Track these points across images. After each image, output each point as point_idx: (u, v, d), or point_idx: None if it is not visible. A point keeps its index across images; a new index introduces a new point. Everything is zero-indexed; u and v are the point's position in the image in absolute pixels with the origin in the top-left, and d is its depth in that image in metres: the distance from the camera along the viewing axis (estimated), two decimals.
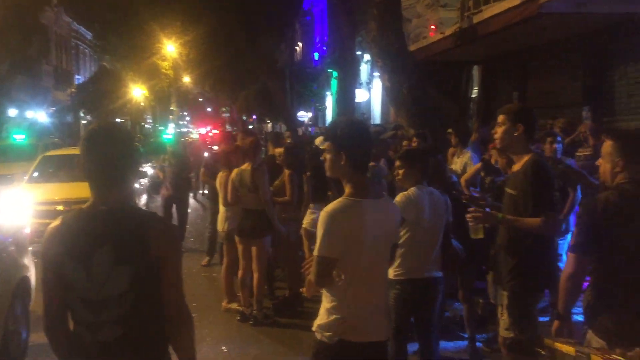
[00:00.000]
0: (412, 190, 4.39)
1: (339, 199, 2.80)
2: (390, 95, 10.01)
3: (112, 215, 2.26)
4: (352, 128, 2.90)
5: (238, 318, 6.45)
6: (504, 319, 3.81)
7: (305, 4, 25.85)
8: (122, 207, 2.29)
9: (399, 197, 4.35)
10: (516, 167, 3.84)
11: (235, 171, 6.47)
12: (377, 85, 18.32)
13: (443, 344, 5.60)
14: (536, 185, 3.73)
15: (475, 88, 14.27)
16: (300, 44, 29.02)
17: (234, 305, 6.68)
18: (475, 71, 14.18)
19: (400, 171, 4.50)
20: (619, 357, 2.36)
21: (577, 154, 7.05)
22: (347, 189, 2.83)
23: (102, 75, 32.18)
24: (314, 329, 2.88)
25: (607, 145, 3.20)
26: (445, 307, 6.35)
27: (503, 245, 3.85)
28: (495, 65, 13.21)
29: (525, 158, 3.80)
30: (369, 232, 2.77)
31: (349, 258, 2.73)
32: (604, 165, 3.22)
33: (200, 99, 44.72)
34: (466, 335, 5.65)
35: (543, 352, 2.71)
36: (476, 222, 3.89)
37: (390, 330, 3.20)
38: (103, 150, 2.27)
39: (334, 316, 2.78)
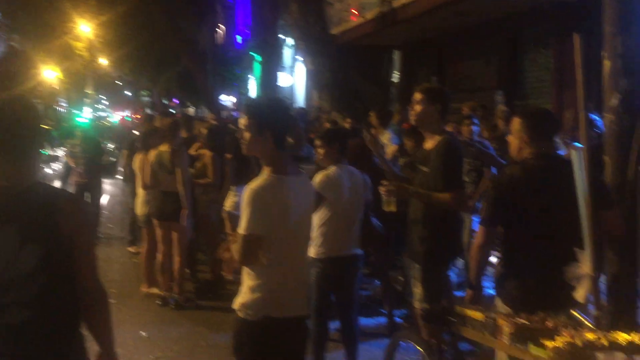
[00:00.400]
0: (331, 169, 4.43)
1: (263, 176, 2.79)
2: (313, 79, 10.05)
3: (15, 192, 2.14)
4: (273, 105, 2.90)
5: (158, 302, 6.32)
6: (417, 291, 3.94)
7: None
8: (27, 183, 2.17)
9: (318, 176, 4.39)
10: (429, 145, 3.99)
11: (153, 153, 6.30)
12: (301, 69, 18.31)
13: (363, 320, 5.72)
14: (448, 163, 3.91)
15: (396, 72, 14.54)
16: (222, 26, 28.51)
17: (155, 290, 6.54)
18: (396, 56, 14.44)
19: (320, 150, 4.54)
20: (523, 321, 2.48)
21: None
22: (269, 167, 2.82)
23: (10, 55, 30.47)
24: (235, 307, 2.86)
25: (515, 122, 3.34)
26: (364, 286, 6.49)
27: (415, 220, 3.98)
28: (415, 50, 13.51)
29: (438, 137, 3.95)
30: (293, 208, 2.79)
31: (275, 235, 2.74)
32: (513, 141, 3.37)
33: (119, 82, 43.15)
34: (385, 312, 5.80)
35: (454, 320, 2.80)
36: (389, 195, 3.99)
37: (310, 306, 3.25)
38: (3, 125, 2.15)
39: (258, 294, 2.78)
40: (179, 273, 6.27)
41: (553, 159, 3.23)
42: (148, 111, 20.62)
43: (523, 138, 3.26)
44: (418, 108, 3.96)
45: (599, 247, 2.94)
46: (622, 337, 2.23)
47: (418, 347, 3.49)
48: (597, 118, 5.69)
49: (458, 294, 4.41)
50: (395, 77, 14.47)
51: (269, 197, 2.72)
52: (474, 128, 6.67)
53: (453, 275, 4.31)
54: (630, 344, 2.18)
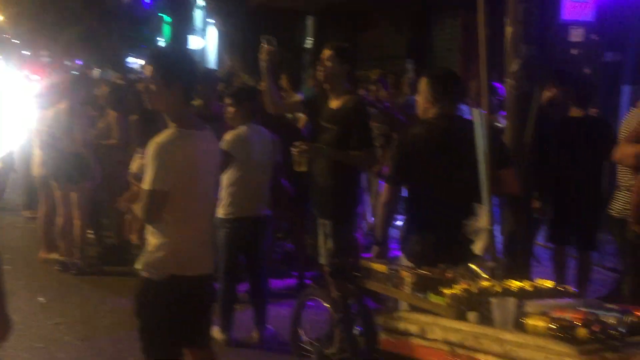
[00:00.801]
0: (241, 128, 4.35)
1: (169, 130, 2.69)
2: (225, 40, 9.81)
3: None
4: (182, 55, 2.81)
5: (58, 268, 6.04)
6: (328, 247, 3.98)
7: None
8: None
9: (228, 136, 4.30)
10: (335, 104, 4.00)
11: (51, 110, 5.94)
12: (213, 32, 17.81)
13: (273, 282, 5.74)
14: (360, 121, 3.98)
15: (309, 38, 14.45)
16: None
17: (54, 255, 6.24)
18: (310, 22, 14.34)
19: (231, 109, 4.44)
20: (424, 272, 2.55)
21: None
22: (175, 121, 2.72)
23: None
24: (139, 267, 2.77)
25: (422, 82, 3.40)
26: (274, 248, 6.50)
27: (321, 177, 4.01)
28: (329, 17, 13.47)
29: (346, 97, 3.98)
30: (200, 163, 2.73)
31: (180, 191, 2.66)
32: (419, 101, 3.43)
33: (17, 41, 40.29)
34: (296, 274, 5.84)
35: (359, 274, 2.85)
36: (301, 154, 3.99)
37: (217, 266, 3.22)
38: None
39: (163, 252, 2.71)
40: (80, 237, 5.99)
41: (456, 119, 3.31)
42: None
43: (428, 98, 3.32)
44: (328, 64, 3.96)
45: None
46: (514, 284, 2.35)
47: (325, 304, 3.53)
48: (499, 85, 5.91)
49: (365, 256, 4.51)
50: (309, 43, 14.39)
51: (176, 151, 2.63)
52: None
53: (360, 237, 4.41)
54: (521, 290, 2.29)
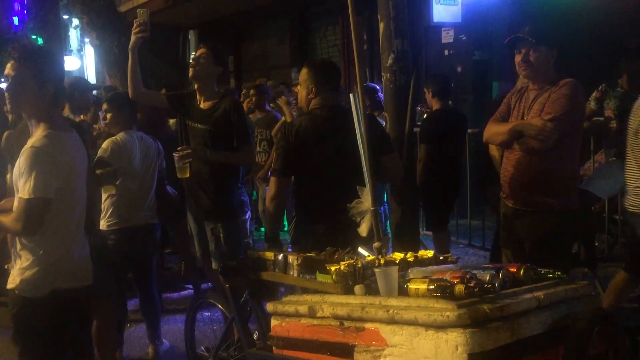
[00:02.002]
0: (120, 135, 4.19)
1: (42, 133, 2.49)
2: (101, 55, 9.41)
3: None
4: (48, 55, 2.60)
5: None
6: (221, 251, 3.91)
7: None
8: None
9: (105, 144, 4.12)
10: (206, 104, 3.98)
11: None
12: (90, 52, 17.11)
13: (168, 295, 5.56)
14: (240, 121, 3.99)
15: (193, 53, 14.25)
16: None
17: None
18: (192, 36, 14.15)
19: (108, 115, 4.27)
20: (311, 255, 2.55)
21: None
22: (44, 123, 2.53)
23: None
24: (11, 287, 2.56)
25: (303, 73, 3.43)
26: (167, 264, 6.31)
27: (203, 180, 3.96)
28: (211, 31, 13.35)
29: (218, 97, 3.99)
30: (77, 168, 2.60)
31: (61, 197, 2.49)
32: (301, 92, 3.46)
33: None
34: (190, 286, 5.68)
35: (249, 267, 2.81)
36: (184, 159, 3.90)
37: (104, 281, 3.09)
38: None
39: (42, 266, 2.52)
40: None
41: (337, 108, 3.37)
42: None
43: (310, 89, 3.35)
44: (201, 62, 3.92)
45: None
46: (397, 255, 2.40)
47: (219, 306, 3.45)
48: (376, 86, 6.14)
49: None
50: (192, 57, 14.20)
51: (56, 154, 2.47)
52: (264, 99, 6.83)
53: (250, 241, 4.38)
54: (403, 260, 2.35)
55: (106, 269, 3.90)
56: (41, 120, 2.54)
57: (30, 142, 2.47)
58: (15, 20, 23.20)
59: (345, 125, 3.09)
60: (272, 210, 3.32)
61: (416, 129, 5.00)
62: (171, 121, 5.94)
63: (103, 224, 4.13)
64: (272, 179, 3.33)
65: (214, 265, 4.01)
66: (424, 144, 5.34)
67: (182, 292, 5.73)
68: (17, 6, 22.97)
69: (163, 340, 4.45)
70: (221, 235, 3.92)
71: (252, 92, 6.87)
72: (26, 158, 2.42)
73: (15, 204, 2.46)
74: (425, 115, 5.81)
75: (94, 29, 8.92)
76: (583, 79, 3.39)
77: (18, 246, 2.59)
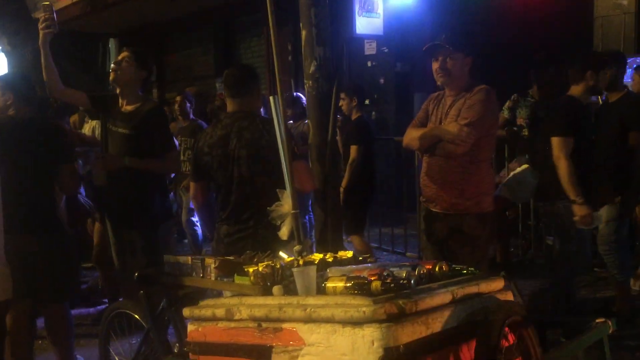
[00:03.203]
0: None
1: None
2: (14, 61, 9.01)
3: None
4: None
5: None
6: (139, 260, 3.79)
7: None
8: None
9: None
10: (128, 108, 3.88)
11: None
12: (1, 57, 16.32)
13: (85, 310, 5.34)
14: (160, 126, 3.95)
15: (113, 61, 13.88)
16: None
17: None
18: (113, 44, 13.77)
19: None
20: (229, 258, 2.51)
21: None
22: None
23: None
24: None
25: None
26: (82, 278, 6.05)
27: (123, 188, 3.87)
28: (133, 39, 13.01)
29: (141, 101, 3.90)
30: None
31: None
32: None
33: None
34: (106, 301, 5.47)
35: (167, 271, 2.72)
36: (101, 167, 3.78)
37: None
38: None
39: None
40: None
41: (239, 114, 3.34)
42: None
43: (225, 95, 3.35)
44: (124, 65, 3.81)
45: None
46: (316, 256, 2.39)
47: (135, 316, 3.31)
48: (301, 95, 6.17)
49: None
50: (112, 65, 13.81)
51: None
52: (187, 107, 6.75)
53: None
54: (322, 260, 2.34)
55: None
56: None
57: None
58: None
59: (241, 131, 3.19)
60: (197, 210, 3.55)
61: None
62: (86, 126, 5.73)
63: None
64: (190, 184, 3.46)
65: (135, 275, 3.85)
66: (357, 145, 5.42)
67: (99, 307, 5.50)
68: None
69: (78, 356, 4.24)
70: (139, 245, 3.79)
71: (177, 99, 6.76)
72: None
73: None
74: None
75: (6, 34, 8.56)
76: (496, 88, 3.53)
77: None
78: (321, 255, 2.38)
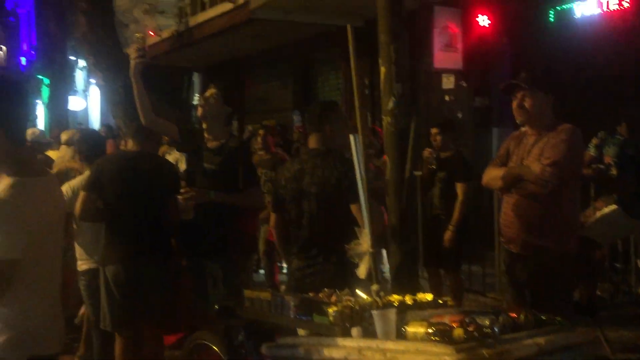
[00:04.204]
0: (76, 180, 4.42)
1: (7, 182, 2.11)
2: (106, 95, 9.53)
3: None
4: (3, 90, 2.20)
5: None
6: (218, 291, 3.85)
7: (8, 4, 23.33)
8: None
9: (65, 189, 4.24)
10: (213, 144, 3.98)
11: None
12: (95, 92, 17.36)
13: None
14: (244, 161, 4.03)
15: (197, 94, 14.43)
16: (3, 47, 26.03)
17: None
18: (197, 78, 14.36)
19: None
20: (308, 295, 2.52)
21: None
22: (8, 169, 2.15)
23: None
24: None
25: None
26: None
27: (207, 221, 3.93)
28: (215, 73, 13.56)
29: (225, 137, 4.01)
30: (46, 218, 2.23)
31: (33, 253, 2.14)
32: None
33: None
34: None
35: (247, 305, 2.77)
36: (188, 201, 3.89)
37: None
38: None
39: (14, 332, 2.16)
40: None
41: (327, 152, 3.38)
42: None
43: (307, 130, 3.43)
44: (211, 102, 3.95)
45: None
46: (395, 298, 2.37)
47: (214, 348, 3.38)
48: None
49: None
50: (196, 99, 14.37)
51: (23, 207, 2.10)
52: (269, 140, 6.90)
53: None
54: (402, 303, 2.32)
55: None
56: (4, 165, 2.18)
57: None
58: (23, 60, 23.59)
59: (314, 168, 3.28)
60: (276, 238, 3.65)
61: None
62: (169, 157, 5.96)
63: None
64: (270, 213, 3.59)
65: (215, 306, 3.93)
66: (464, 182, 5.39)
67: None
68: (24, 46, 23.39)
69: None
70: (219, 276, 3.87)
71: (260, 132, 6.90)
72: None
73: None
74: (429, 159, 5.76)
75: (100, 70, 9.05)
76: (582, 125, 3.42)
77: None
78: (400, 297, 2.36)
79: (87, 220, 4.05)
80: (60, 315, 2.37)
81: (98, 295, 4.07)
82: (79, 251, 4.32)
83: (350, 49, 3.07)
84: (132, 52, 3.93)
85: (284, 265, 6.26)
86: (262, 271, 7.38)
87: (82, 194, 4.00)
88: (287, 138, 8.59)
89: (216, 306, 3.53)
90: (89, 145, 4.53)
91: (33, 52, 21.22)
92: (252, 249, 4.24)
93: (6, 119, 2.14)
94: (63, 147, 6.29)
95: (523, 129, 3.61)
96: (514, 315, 2.12)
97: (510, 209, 3.40)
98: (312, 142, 3.41)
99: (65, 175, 4.79)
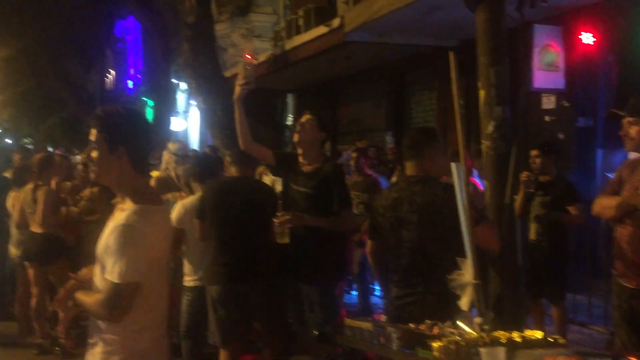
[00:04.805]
0: (189, 199, 4.54)
1: (133, 207, 2.23)
2: (206, 117, 9.96)
3: None
4: (131, 116, 2.34)
5: (35, 352, 5.80)
6: (315, 315, 3.88)
7: (117, 31, 24.95)
8: None
9: (178, 208, 4.49)
10: (308, 168, 4.03)
11: (23, 191, 5.94)
12: (195, 114, 18.13)
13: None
14: (341, 186, 4.06)
15: (291, 115, 14.75)
16: (112, 71, 27.83)
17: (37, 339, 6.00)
18: (290, 99, 14.68)
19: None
20: (411, 327, 2.49)
21: None
22: (130, 196, 2.28)
23: None
24: None
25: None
26: None
27: (303, 244, 3.99)
28: (309, 94, 13.82)
29: (320, 162, 4.06)
30: (163, 245, 2.35)
31: (150, 278, 2.24)
32: None
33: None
34: None
35: (347, 334, 2.77)
36: (283, 225, 3.96)
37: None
38: None
39: (127, 353, 2.26)
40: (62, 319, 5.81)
41: (426, 179, 3.32)
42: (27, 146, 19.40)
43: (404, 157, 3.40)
44: (307, 127, 4.01)
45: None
46: (503, 334, 2.29)
47: None
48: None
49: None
50: (290, 120, 14.69)
51: (147, 233, 2.22)
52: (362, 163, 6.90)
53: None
54: (510, 340, 2.23)
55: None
56: (124, 191, 2.32)
57: (121, 218, 2.23)
58: (130, 83, 25.12)
59: (413, 195, 3.21)
60: (372, 265, 3.57)
61: None
62: (266, 179, 6.09)
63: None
64: (367, 240, 3.53)
65: (308, 330, 3.97)
66: (573, 204, 5.23)
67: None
68: (131, 71, 24.89)
69: None
70: (316, 299, 3.90)
71: (353, 154, 6.92)
72: (117, 237, 2.18)
73: (102, 284, 2.23)
74: (527, 183, 5.56)
75: (201, 93, 9.48)
76: None
77: (98, 325, 2.30)
78: (508, 334, 2.28)
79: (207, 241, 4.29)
80: (165, 335, 2.44)
81: (198, 311, 4.31)
82: (187, 267, 4.53)
83: (452, 75, 3.03)
84: (238, 78, 3.99)
85: (377, 287, 6.24)
86: (354, 292, 7.38)
87: (195, 221, 4.26)
88: (381, 159, 8.57)
89: (315, 332, 3.56)
90: (202, 168, 4.74)
91: (139, 76, 22.56)
92: (347, 272, 4.24)
93: (132, 148, 2.27)
94: (165, 153, 6.55)
95: (636, 155, 3.43)
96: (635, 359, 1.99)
97: (625, 241, 3.22)
98: (410, 169, 3.36)
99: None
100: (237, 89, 4.01)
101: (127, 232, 2.18)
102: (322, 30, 9.58)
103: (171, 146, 6.69)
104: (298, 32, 11.04)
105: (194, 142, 18.86)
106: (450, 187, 3.03)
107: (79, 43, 20.29)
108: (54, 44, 20.25)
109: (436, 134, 3.64)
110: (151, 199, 2.32)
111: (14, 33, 19.65)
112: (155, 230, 2.26)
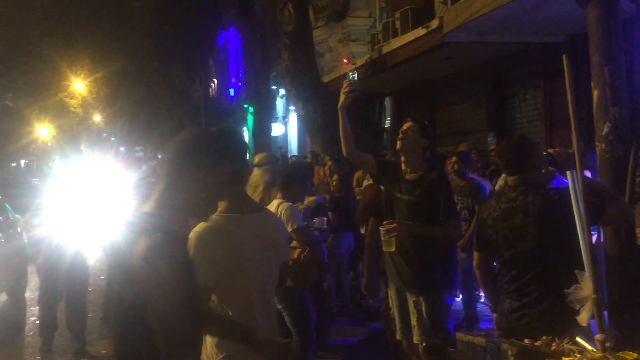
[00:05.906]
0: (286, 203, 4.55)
1: (212, 217, 2.40)
2: (305, 123, 10.15)
3: None
4: (224, 134, 2.48)
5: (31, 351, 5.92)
6: (422, 325, 3.83)
7: (219, 41, 25.93)
8: None
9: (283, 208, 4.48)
10: (410, 176, 3.96)
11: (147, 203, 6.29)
12: (294, 119, 18.50)
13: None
14: (447, 194, 3.97)
15: (388, 118, 14.69)
16: (215, 80, 28.97)
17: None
18: (388, 102, 14.62)
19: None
20: (527, 344, 2.40)
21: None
22: (223, 204, 2.47)
23: (3, 114, 30.61)
24: None
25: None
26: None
27: (409, 253, 3.93)
28: (406, 96, 13.70)
29: (423, 169, 3.96)
30: (248, 251, 2.47)
31: (229, 284, 2.41)
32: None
33: (113, 138, 43.40)
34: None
35: (459, 349, 2.72)
36: (389, 234, 3.93)
37: None
38: None
39: (223, 354, 2.44)
40: None
41: (534, 187, 3.17)
42: (143, 167, 20.57)
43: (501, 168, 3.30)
44: (409, 134, 3.96)
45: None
46: (630, 355, 2.16)
47: None
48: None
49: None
50: (388, 123, 14.63)
51: (215, 241, 2.40)
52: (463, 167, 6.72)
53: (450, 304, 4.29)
54: None
55: None
56: (219, 200, 2.43)
57: (198, 226, 2.42)
58: (232, 91, 26.04)
59: (526, 206, 3.08)
60: (480, 280, 3.45)
61: None
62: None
63: None
64: (474, 252, 3.39)
65: (415, 340, 3.94)
66: None
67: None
68: (233, 79, 25.79)
69: None
70: (423, 309, 3.85)
71: (453, 159, 6.75)
72: (190, 243, 2.35)
73: None
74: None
75: (300, 99, 9.69)
76: None
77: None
78: (636, 355, 2.15)
79: None
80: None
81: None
82: None
83: (567, 80, 2.89)
84: (343, 86, 3.96)
85: (482, 294, 6.06)
86: (458, 299, 7.22)
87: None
88: (483, 162, 8.33)
89: (424, 342, 3.54)
90: (284, 177, 4.71)
91: (240, 84, 23.33)
92: (454, 281, 4.16)
93: (231, 161, 2.39)
94: (256, 169, 6.72)
95: None
96: None
97: None
98: (514, 180, 3.23)
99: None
100: (342, 97, 3.97)
101: (192, 239, 2.38)
102: (420, 32, 9.47)
103: (257, 158, 6.90)
104: (395, 35, 10.97)
105: (293, 147, 19.24)
106: (563, 190, 2.90)
107: (184, 54, 21.27)
108: (163, 55, 21.35)
109: (533, 141, 3.48)
110: (240, 208, 2.53)
111: (124, 46, 20.91)
112: (229, 237, 2.45)
